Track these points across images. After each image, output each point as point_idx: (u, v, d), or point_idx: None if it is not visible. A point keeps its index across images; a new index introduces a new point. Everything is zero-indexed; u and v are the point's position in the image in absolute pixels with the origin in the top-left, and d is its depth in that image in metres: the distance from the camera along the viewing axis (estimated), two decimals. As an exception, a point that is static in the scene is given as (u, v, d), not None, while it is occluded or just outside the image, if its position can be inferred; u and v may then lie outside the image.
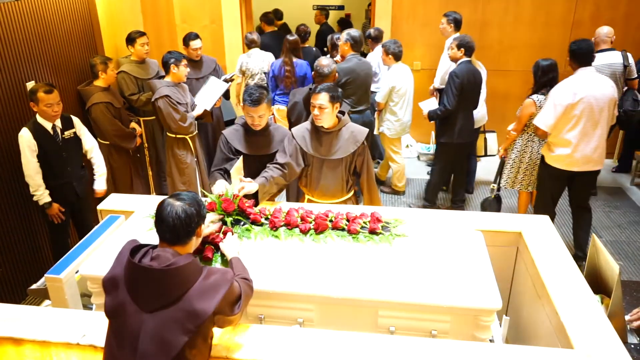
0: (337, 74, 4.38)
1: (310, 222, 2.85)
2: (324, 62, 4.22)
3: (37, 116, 3.66)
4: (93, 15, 4.96)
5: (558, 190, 4.34)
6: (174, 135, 4.49)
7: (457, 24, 4.96)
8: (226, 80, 4.98)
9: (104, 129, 4.49)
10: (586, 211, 4.36)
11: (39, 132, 3.63)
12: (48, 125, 3.68)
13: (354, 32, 5.00)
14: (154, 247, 1.93)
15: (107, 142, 4.60)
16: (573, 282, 2.53)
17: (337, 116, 3.27)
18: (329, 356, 2.09)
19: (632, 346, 2.41)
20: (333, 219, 2.88)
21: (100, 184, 4.14)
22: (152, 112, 5.06)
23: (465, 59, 4.73)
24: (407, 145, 6.72)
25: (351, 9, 9.03)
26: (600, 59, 4.91)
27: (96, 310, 2.67)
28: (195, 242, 1.97)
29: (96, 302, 2.67)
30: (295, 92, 4.57)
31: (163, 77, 4.56)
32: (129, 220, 3.08)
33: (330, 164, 3.33)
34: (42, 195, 3.73)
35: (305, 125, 3.39)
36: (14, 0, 3.86)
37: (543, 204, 4.36)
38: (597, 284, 2.73)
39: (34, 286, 2.89)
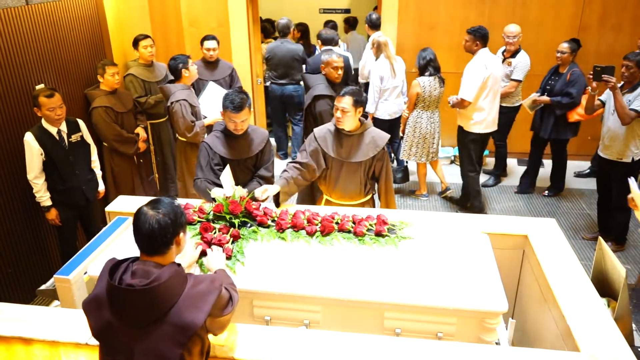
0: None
1: (317, 224, 2.86)
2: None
3: (43, 121, 3.69)
4: (102, 20, 5.01)
5: (479, 153, 5.18)
6: (185, 140, 4.49)
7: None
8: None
9: (102, 133, 4.52)
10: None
11: (44, 137, 3.66)
12: (53, 130, 3.71)
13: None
14: (135, 259, 1.84)
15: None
16: (579, 285, 2.52)
17: (359, 120, 3.30)
18: (334, 358, 2.10)
19: (639, 349, 2.40)
20: (339, 221, 2.90)
21: (101, 184, 4.19)
22: (160, 115, 5.10)
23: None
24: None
25: (357, 13, 9.04)
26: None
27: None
28: (175, 251, 1.87)
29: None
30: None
31: (172, 81, 4.57)
32: (136, 222, 3.10)
33: (350, 166, 3.35)
34: (42, 198, 3.76)
35: (328, 126, 3.42)
36: (25, 5, 3.90)
37: (469, 167, 5.15)
38: (604, 287, 2.73)
39: (43, 287, 2.91)
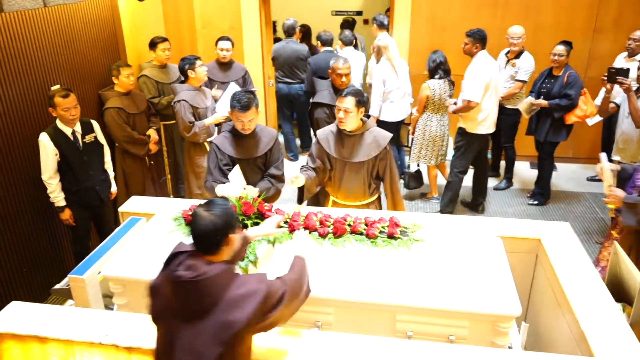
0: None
1: (329, 226, 2.87)
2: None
3: (57, 121, 3.73)
4: (117, 22, 5.06)
5: (476, 155, 5.16)
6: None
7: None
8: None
9: (113, 134, 4.57)
10: (485, 163, 5.38)
11: (58, 138, 3.70)
12: (68, 131, 3.75)
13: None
14: (193, 253, 1.89)
15: (120, 146, 4.69)
16: (594, 290, 2.50)
17: (361, 119, 3.32)
18: (346, 359, 2.10)
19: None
20: (352, 223, 2.90)
21: (113, 184, 4.23)
22: (172, 116, 5.13)
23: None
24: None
25: (369, 14, 9.03)
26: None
27: (117, 311, 2.72)
28: (227, 251, 1.91)
29: (117, 302, 2.72)
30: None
31: (184, 82, 4.61)
32: (149, 222, 3.13)
33: (353, 166, 3.37)
34: (56, 198, 3.80)
35: (331, 127, 3.45)
36: (42, 7, 3.95)
37: (460, 168, 5.12)
38: (619, 292, 2.70)
39: (57, 286, 2.95)
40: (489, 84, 4.77)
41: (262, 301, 1.82)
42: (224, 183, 3.30)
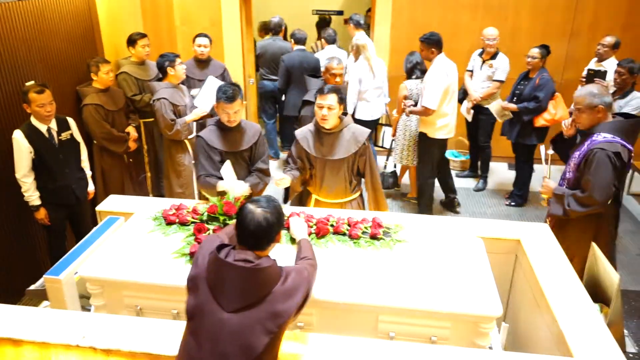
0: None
1: (312, 227, 2.85)
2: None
3: (32, 118, 3.63)
4: (93, 16, 4.95)
5: (439, 159, 5.18)
6: (168, 137, 4.46)
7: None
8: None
9: (92, 131, 4.47)
10: (446, 163, 5.46)
11: (33, 135, 3.60)
12: (43, 128, 3.66)
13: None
14: (233, 248, 1.93)
15: (98, 144, 4.59)
16: (572, 290, 2.54)
17: (339, 117, 3.33)
18: (329, 361, 2.10)
19: (631, 355, 2.42)
20: (334, 223, 2.89)
21: (91, 184, 4.14)
22: (152, 113, 5.05)
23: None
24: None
25: (350, 14, 9.06)
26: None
27: (95, 312, 2.66)
28: (273, 246, 1.99)
29: (95, 303, 2.66)
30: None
31: (162, 79, 4.55)
32: (128, 221, 3.07)
33: (333, 164, 3.37)
34: (31, 197, 3.70)
35: (309, 126, 3.45)
36: (15, 0, 3.85)
37: (428, 173, 5.18)
38: (596, 292, 2.75)
39: (32, 287, 2.88)
40: (449, 89, 4.80)
41: (307, 289, 1.95)
42: (218, 177, 3.29)
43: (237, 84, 3.40)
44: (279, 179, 3.24)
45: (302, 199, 3.83)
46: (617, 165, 2.97)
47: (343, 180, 3.43)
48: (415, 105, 5.05)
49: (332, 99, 3.20)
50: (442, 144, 5.10)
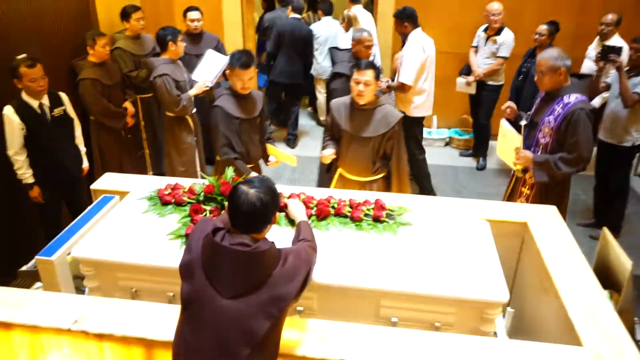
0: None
1: (312, 208, 2.76)
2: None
3: (23, 93, 3.51)
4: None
5: (421, 134, 5.16)
6: (172, 114, 4.34)
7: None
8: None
9: (89, 106, 4.36)
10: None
11: (24, 111, 3.48)
12: (34, 103, 3.54)
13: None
14: (228, 231, 1.83)
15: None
16: (581, 276, 2.46)
17: (375, 94, 3.34)
18: (328, 347, 2.03)
19: (641, 343, 2.35)
20: (336, 205, 2.79)
21: (85, 160, 4.05)
22: (150, 89, 4.92)
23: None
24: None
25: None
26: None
27: (89, 294, 2.59)
28: (269, 228, 1.89)
29: (89, 285, 2.59)
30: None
31: (159, 54, 4.41)
32: (124, 200, 2.98)
33: (359, 141, 3.40)
34: (24, 175, 3.62)
35: (345, 99, 3.48)
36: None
37: (416, 150, 5.04)
38: (606, 279, 2.67)
39: (24, 268, 2.80)
40: (425, 65, 4.67)
41: (307, 272, 1.90)
42: (237, 153, 3.43)
43: (249, 50, 3.46)
44: (328, 155, 3.42)
45: (330, 170, 3.79)
46: (592, 122, 3.07)
47: (367, 159, 3.44)
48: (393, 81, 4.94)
49: (369, 74, 3.21)
50: (420, 121, 5.06)
